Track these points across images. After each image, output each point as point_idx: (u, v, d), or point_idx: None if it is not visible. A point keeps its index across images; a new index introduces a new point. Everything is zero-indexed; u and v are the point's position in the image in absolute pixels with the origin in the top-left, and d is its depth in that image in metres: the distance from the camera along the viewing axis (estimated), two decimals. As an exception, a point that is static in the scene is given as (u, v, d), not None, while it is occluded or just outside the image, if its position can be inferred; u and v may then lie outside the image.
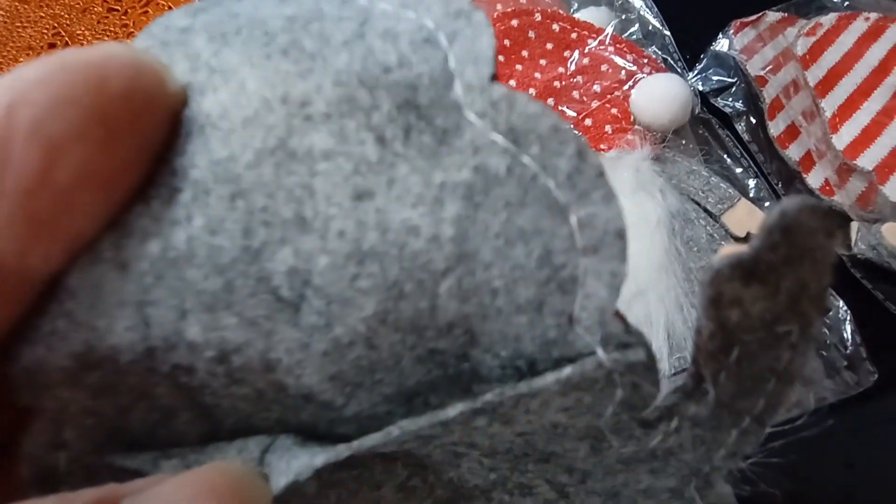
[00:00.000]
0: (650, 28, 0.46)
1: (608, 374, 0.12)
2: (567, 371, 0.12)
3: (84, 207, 0.11)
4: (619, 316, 0.12)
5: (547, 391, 0.12)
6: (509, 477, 0.15)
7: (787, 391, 0.14)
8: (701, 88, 0.45)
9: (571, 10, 0.47)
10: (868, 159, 0.40)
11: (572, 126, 0.42)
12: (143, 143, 0.11)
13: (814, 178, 0.42)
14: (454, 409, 0.12)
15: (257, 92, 0.12)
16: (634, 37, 0.46)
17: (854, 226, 0.39)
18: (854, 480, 0.34)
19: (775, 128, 0.43)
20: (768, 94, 0.44)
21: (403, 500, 0.14)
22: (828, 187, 0.41)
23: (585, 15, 0.45)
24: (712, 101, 0.44)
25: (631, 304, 0.36)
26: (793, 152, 0.43)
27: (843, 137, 0.41)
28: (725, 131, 0.43)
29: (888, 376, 0.35)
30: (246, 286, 0.12)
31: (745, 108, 0.44)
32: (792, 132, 0.43)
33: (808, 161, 0.42)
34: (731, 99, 0.45)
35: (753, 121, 0.44)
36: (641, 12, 0.46)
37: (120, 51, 0.11)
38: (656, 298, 0.37)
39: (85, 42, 0.50)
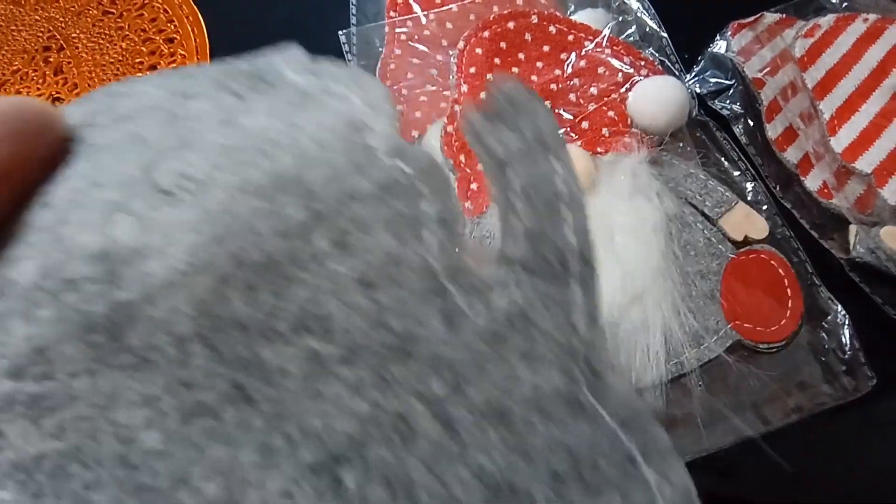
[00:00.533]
0: (647, 30, 0.46)
1: (407, 176, 0.15)
2: (375, 175, 0.14)
3: None
4: (408, 139, 0.17)
5: (364, 193, 0.14)
6: (380, 403, 0.14)
7: (582, 218, 0.15)
8: (698, 91, 0.44)
9: (568, 13, 0.46)
10: (866, 162, 0.40)
11: (569, 128, 0.41)
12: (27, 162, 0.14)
13: (812, 181, 0.41)
14: (297, 216, 0.14)
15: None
16: (631, 39, 0.46)
17: (852, 229, 0.39)
18: (854, 483, 0.34)
19: (773, 130, 0.43)
20: (766, 96, 0.44)
21: (263, 469, 0.13)
22: (826, 190, 0.41)
23: (582, 17, 0.45)
24: (709, 103, 0.44)
25: (628, 308, 0.36)
26: (790, 155, 0.42)
27: (842, 140, 0.41)
28: (723, 134, 0.42)
29: (887, 381, 0.35)
30: None
31: (742, 111, 0.44)
32: (790, 135, 0.43)
33: (805, 164, 0.42)
34: (728, 101, 0.44)
35: (751, 123, 0.44)
36: (639, 14, 0.46)
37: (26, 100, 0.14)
38: (653, 303, 0.36)
39: (80, 45, 0.49)
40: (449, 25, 0.46)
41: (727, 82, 0.45)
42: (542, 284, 0.15)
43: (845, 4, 0.46)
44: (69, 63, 0.49)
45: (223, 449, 0.13)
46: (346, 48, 0.46)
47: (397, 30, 0.46)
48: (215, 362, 0.14)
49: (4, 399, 0.13)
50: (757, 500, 0.35)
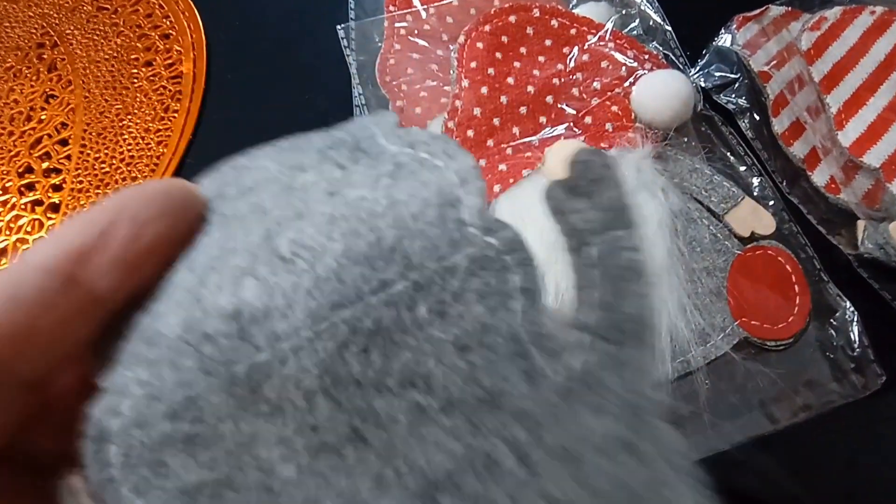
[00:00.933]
0: (651, 23, 0.45)
1: (496, 250, 0.17)
2: (468, 250, 0.17)
3: (153, 262, 0.17)
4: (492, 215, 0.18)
5: (459, 267, 0.17)
6: (472, 444, 0.17)
7: (648, 290, 0.17)
8: (703, 85, 0.43)
9: (571, 6, 0.46)
10: (874, 156, 0.39)
11: (572, 123, 0.41)
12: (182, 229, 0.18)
13: (819, 176, 0.41)
14: (399, 285, 0.17)
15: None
16: (635, 32, 0.45)
17: (860, 224, 0.38)
18: (856, 479, 0.34)
19: (779, 124, 0.42)
20: (772, 90, 0.43)
21: (378, 495, 0.17)
22: (833, 185, 0.40)
23: (585, 10, 0.45)
24: (715, 97, 0.43)
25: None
26: (797, 149, 0.42)
27: (849, 134, 0.40)
28: (728, 128, 0.42)
29: (895, 377, 0.35)
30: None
31: (748, 105, 0.43)
32: (796, 129, 0.42)
33: (813, 158, 0.41)
34: (733, 95, 0.44)
35: (757, 117, 0.43)
36: (642, 7, 0.46)
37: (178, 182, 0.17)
38: (658, 301, 0.36)
39: (74, 41, 0.49)
40: (449, 20, 0.45)
41: (732, 76, 0.44)
42: (612, 349, 0.17)
43: (851, -4, 0.46)
44: (63, 60, 0.48)
45: (345, 479, 0.17)
46: (344, 43, 0.45)
47: (397, 24, 0.45)
48: (336, 411, 0.17)
49: (165, 437, 0.16)
50: (761, 495, 0.34)
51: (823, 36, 0.43)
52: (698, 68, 0.44)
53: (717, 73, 0.44)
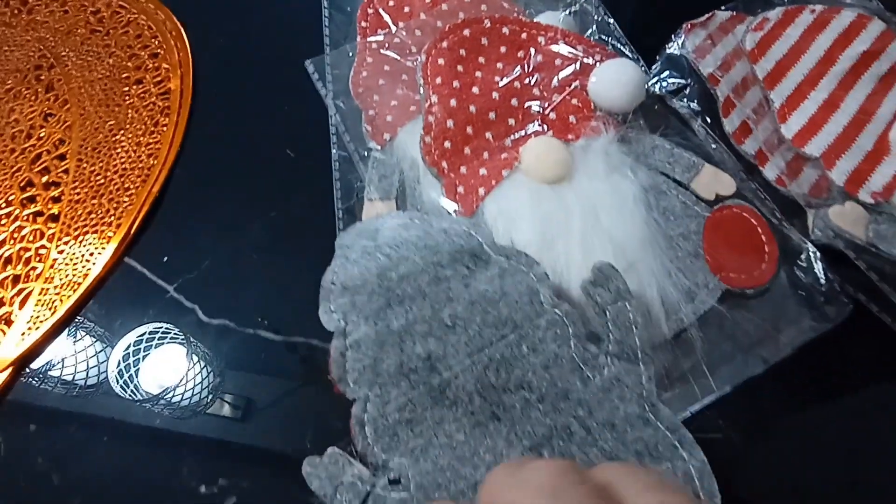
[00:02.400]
0: (598, 18, 0.49)
1: (559, 317, 0.36)
2: (545, 317, 0.36)
3: None
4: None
5: (541, 326, 0.35)
6: (556, 419, 0.33)
7: (639, 332, 0.35)
8: (657, 92, 0.46)
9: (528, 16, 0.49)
10: (815, 146, 0.42)
11: (539, 121, 0.43)
12: None
13: (769, 171, 0.43)
14: (511, 336, 0.35)
15: None
16: (596, 36, 0.48)
17: (810, 213, 0.41)
18: (856, 468, 0.35)
19: (730, 124, 0.45)
20: (721, 92, 0.45)
21: (508, 448, 0.33)
22: (782, 178, 0.42)
23: (543, 19, 0.47)
24: (669, 103, 0.45)
25: (626, 279, 0.38)
26: (748, 147, 0.44)
27: (792, 126, 0.43)
28: (680, 102, 0.45)
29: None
30: None
31: (700, 108, 0.45)
32: (746, 128, 0.44)
33: (762, 155, 0.43)
34: (685, 100, 0.46)
35: (709, 119, 0.45)
36: (594, 14, 0.49)
37: None
38: (646, 270, 0.38)
39: (70, 63, 0.51)
40: (418, 33, 0.48)
41: (684, 81, 0.46)
42: (626, 365, 0.34)
43: (794, -2, 0.49)
44: (60, 80, 0.51)
45: (490, 440, 0.33)
46: (315, 76, 0.49)
47: (369, 40, 0.48)
48: (483, 403, 0.34)
49: (395, 421, 0.34)
50: (762, 484, 0.36)
51: (766, 36, 0.46)
52: (652, 75, 0.46)
53: (670, 80, 0.46)
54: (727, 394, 0.36)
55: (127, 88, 0.50)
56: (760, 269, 0.39)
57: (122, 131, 0.49)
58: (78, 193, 0.46)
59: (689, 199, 0.41)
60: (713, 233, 0.40)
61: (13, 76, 0.51)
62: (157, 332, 0.41)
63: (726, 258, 0.39)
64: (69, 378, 0.40)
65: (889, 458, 0.36)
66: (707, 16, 0.48)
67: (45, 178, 0.47)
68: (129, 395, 0.40)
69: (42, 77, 0.51)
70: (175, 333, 0.41)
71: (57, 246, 0.44)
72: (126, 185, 0.46)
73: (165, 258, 0.44)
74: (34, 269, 0.43)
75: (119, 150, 0.48)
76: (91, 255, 0.44)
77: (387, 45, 0.48)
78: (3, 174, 0.47)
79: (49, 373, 0.41)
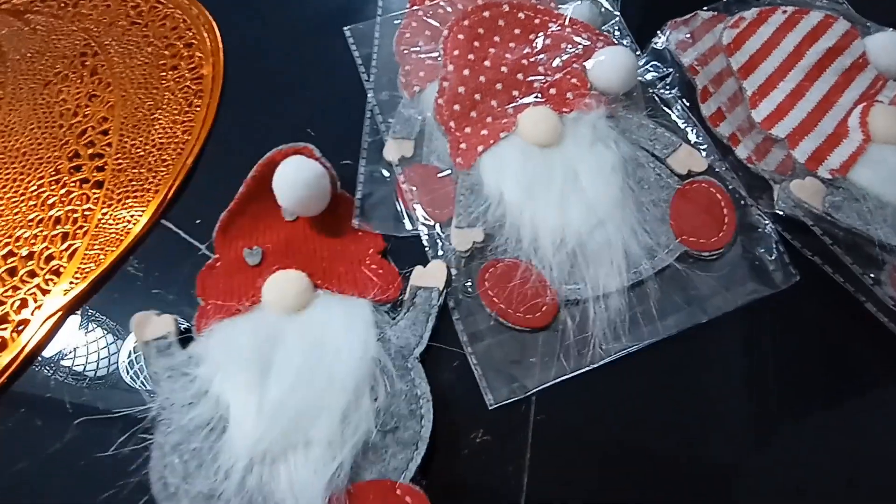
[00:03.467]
0: (603, 10, 0.55)
1: None
2: None
3: None
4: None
5: None
6: None
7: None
8: (642, 80, 0.51)
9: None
10: (781, 129, 0.47)
11: (540, 94, 0.49)
12: None
13: (741, 151, 0.48)
14: None
15: None
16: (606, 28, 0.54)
17: (776, 188, 0.46)
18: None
19: (707, 109, 0.50)
20: (700, 81, 0.51)
21: None
22: (752, 157, 0.48)
23: (573, 10, 0.53)
24: (651, 91, 0.51)
25: (593, 232, 0.43)
26: (723, 129, 0.49)
27: (761, 111, 0.48)
28: (668, 90, 0.50)
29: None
30: None
31: (680, 94, 0.51)
32: (721, 113, 0.50)
33: (735, 137, 0.49)
34: (667, 87, 0.51)
35: (688, 104, 0.51)
36: (605, 6, 0.55)
37: None
38: (614, 227, 0.43)
39: (112, 51, 0.57)
40: (459, 6, 0.54)
41: (667, 71, 0.52)
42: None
43: (768, 1, 0.54)
44: (103, 66, 0.56)
45: None
46: (350, 40, 0.55)
47: (415, 8, 0.55)
48: None
49: None
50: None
51: (742, 32, 0.51)
52: (641, 65, 0.52)
53: (654, 70, 0.52)
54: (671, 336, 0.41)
55: (164, 74, 0.56)
56: (718, 236, 0.44)
57: (159, 111, 0.54)
58: (120, 164, 0.51)
59: (663, 172, 0.46)
60: (680, 201, 0.45)
61: (61, 61, 0.56)
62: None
63: (689, 224, 0.44)
64: (80, 368, 0.44)
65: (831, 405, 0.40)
66: (690, 15, 0.54)
67: (90, 151, 0.52)
68: (139, 387, 0.42)
69: (87, 63, 0.57)
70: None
71: (101, 209, 0.49)
72: (163, 158, 0.52)
73: (198, 221, 0.49)
74: (81, 227, 0.49)
75: (157, 127, 0.53)
76: (132, 216, 0.49)
77: (430, 13, 0.54)
78: (53, 146, 0.53)
79: (61, 362, 0.44)
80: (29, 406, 0.42)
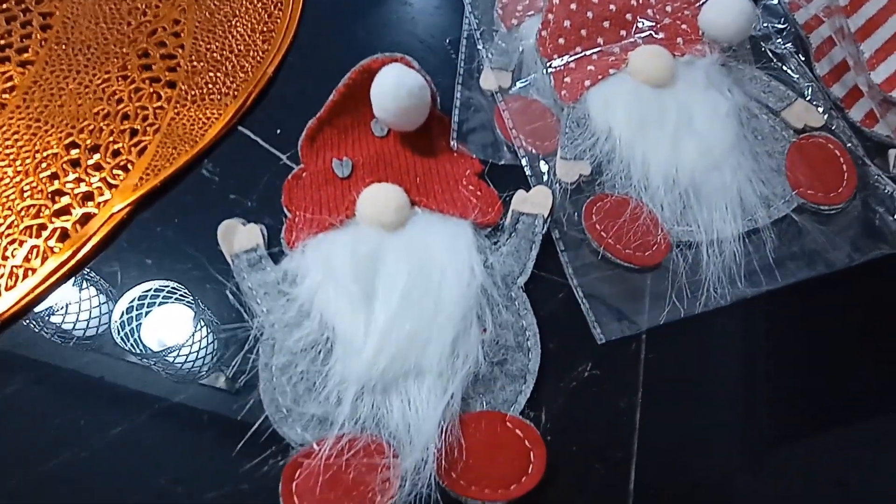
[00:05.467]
0: None
1: None
2: None
3: None
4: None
5: None
6: None
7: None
8: (756, 33, 0.49)
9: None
10: None
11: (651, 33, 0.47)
12: None
13: (855, 113, 0.47)
14: None
15: None
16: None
17: (891, 152, 0.44)
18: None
19: (821, 68, 0.49)
20: (814, 40, 0.50)
21: None
22: (867, 120, 0.46)
23: None
24: (764, 46, 0.49)
25: (708, 174, 0.41)
26: (836, 90, 0.48)
27: (881, 73, 0.46)
28: (784, 46, 0.48)
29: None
30: None
31: (795, 49, 0.49)
32: (835, 73, 0.48)
33: (849, 98, 0.47)
34: (781, 42, 0.49)
35: (802, 58, 0.49)
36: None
37: None
38: (730, 172, 0.41)
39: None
40: None
41: (781, 26, 0.50)
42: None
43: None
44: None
45: None
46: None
47: None
48: None
49: None
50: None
51: None
52: None
53: (767, 25, 0.50)
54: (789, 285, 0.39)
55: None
56: (837, 191, 0.42)
57: (235, 18, 0.51)
58: (194, 66, 0.48)
59: (778, 124, 0.44)
60: (797, 154, 0.43)
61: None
62: (164, 289, 0.40)
63: (806, 177, 0.42)
64: (69, 327, 0.39)
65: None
66: None
67: (161, 51, 0.49)
68: (130, 348, 0.38)
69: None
70: (182, 293, 0.40)
71: (174, 108, 0.46)
72: (241, 64, 0.49)
73: (279, 131, 0.46)
74: (152, 125, 0.45)
75: (234, 34, 0.50)
76: (207, 118, 0.46)
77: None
78: (121, 43, 0.49)
79: (51, 318, 0.40)
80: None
